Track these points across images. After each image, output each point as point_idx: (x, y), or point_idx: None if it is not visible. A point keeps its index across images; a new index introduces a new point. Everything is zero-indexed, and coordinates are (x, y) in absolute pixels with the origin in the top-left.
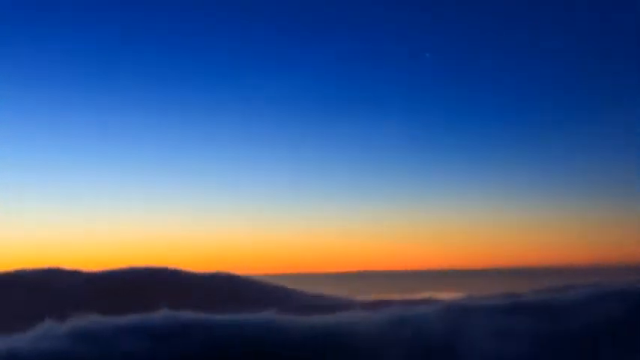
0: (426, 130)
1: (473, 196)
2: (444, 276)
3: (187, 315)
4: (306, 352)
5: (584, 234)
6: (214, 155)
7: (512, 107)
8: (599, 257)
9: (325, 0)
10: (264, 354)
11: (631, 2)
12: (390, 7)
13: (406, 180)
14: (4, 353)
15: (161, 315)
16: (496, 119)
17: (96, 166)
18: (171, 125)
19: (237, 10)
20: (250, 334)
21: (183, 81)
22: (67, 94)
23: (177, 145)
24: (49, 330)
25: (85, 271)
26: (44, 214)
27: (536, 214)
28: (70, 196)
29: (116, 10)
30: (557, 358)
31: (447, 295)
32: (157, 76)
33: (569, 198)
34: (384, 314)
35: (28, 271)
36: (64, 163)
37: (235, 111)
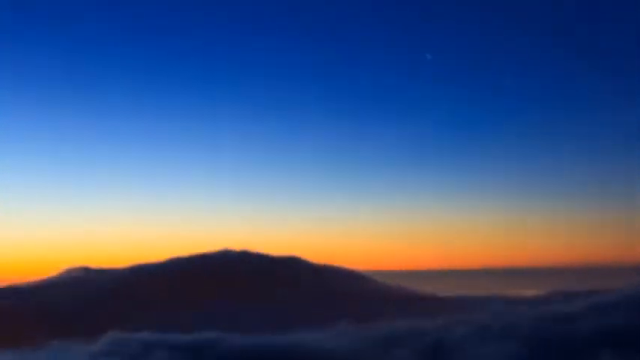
0: (428, 130)
1: (474, 197)
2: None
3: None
4: None
5: (584, 234)
6: (217, 155)
7: (513, 109)
8: (598, 258)
9: (327, 2)
10: None
11: (630, 4)
12: (392, 10)
13: (408, 180)
14: None
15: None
16: (497, 121)
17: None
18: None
19: (237, 9)
20: None
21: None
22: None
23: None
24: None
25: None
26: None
27: (536, 215)
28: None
29: (117, 13)
30: None
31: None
32: (168, 79)
33: (569, 198)
34: None
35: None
36: (68, 160)
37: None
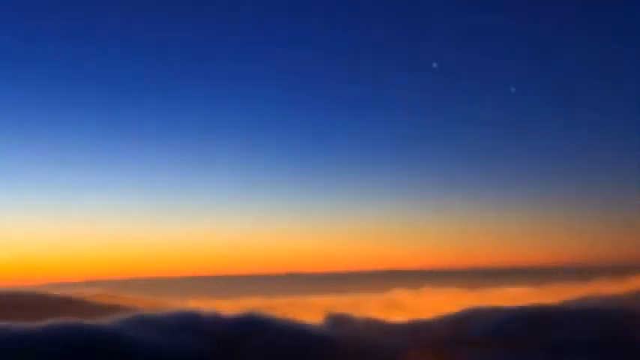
0: (431, 133)
1: (474, 197)
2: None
3: None
4: None
5: (583, 234)
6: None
7: (514, 112)
8: (597, 257)
9: (332, 6)
10: None
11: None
12: (397, 16)
13: (409, 181)
14: None
15: None
16: (499, 124)
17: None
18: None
19: (238, 10)
20: None
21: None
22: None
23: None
24: None
25: None
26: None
27: (536, 215)
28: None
29: (118, 16)
30: None
31: None
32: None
33: (569, 198)
34: None
35: None
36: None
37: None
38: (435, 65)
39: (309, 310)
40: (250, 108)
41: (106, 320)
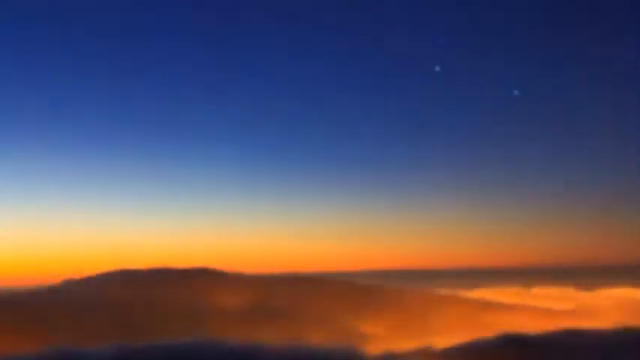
0: (432, 135)
1: (474, 197)
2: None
3: None
4: None
5: (583, 234)
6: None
7: (516, 114)
8: (597, 257)
9: (336, 10)
10: None
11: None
12: (399, 19)
13: (409, 182)
14: None
15: None
16: (500, 126)
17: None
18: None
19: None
20: None
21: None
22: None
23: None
24: None
25: None
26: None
27: (536, 215)
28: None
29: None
30: None
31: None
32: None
33: (571, 198)
34: None
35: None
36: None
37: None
38: (437, 69)
39: None
40: (253, 110)
41: None
